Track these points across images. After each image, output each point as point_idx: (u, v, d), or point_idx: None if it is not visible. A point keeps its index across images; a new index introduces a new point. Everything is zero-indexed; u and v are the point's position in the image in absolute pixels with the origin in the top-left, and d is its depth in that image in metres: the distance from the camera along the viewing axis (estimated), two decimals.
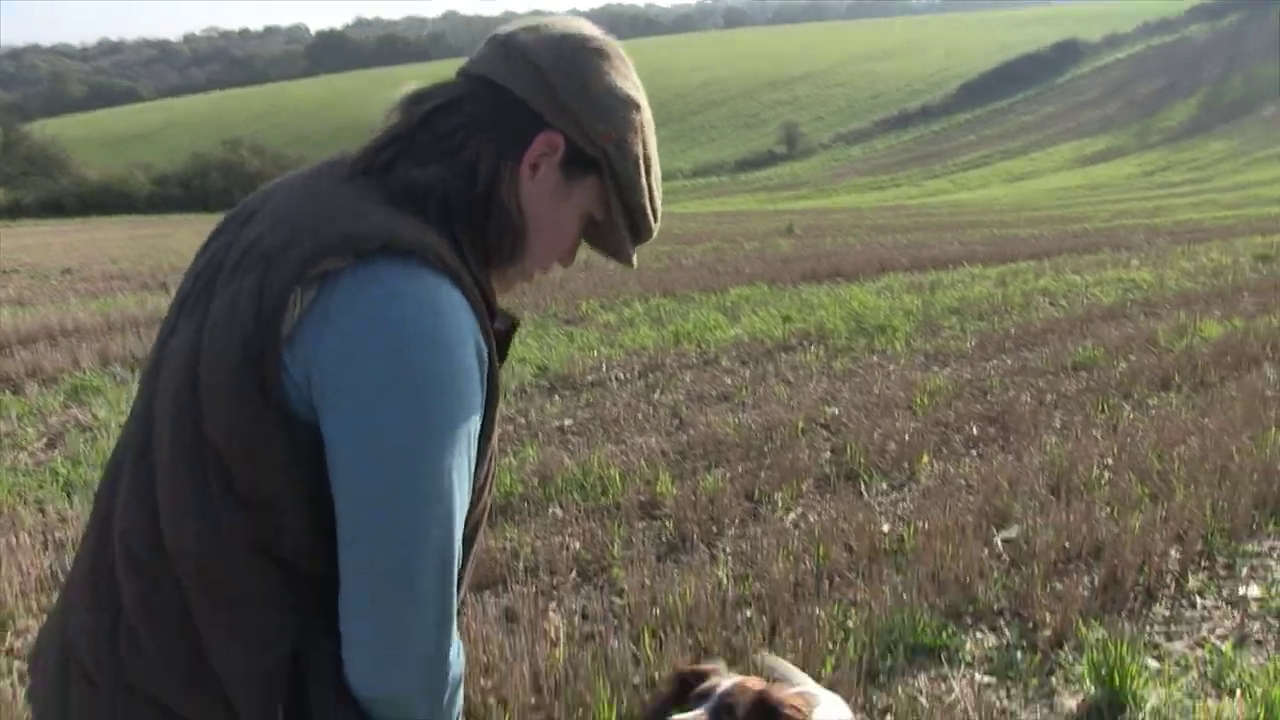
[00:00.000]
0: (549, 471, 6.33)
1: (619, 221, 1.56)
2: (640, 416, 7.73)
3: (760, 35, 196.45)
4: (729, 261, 18.83)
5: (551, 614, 4.65)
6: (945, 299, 13.10)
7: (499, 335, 1.47)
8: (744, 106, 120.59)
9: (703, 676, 2.26)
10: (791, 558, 5.05)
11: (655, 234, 1.64)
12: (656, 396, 8.32)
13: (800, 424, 7.30)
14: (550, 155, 1.48)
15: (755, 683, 2.25)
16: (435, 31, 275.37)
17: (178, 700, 1.37)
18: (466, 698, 3.90)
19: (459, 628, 1.43)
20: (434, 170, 1.43)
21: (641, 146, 1.55)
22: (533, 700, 3.94)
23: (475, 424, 1.36)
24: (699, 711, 2.13)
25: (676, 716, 2.13)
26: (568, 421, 7.70)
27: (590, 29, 1.55)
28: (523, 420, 7.74)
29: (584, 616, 4.67)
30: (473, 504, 1.43)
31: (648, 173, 1.57)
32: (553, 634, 4.47)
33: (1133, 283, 14.65)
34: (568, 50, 1.49)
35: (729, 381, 8.89)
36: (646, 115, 1.57)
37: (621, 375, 9.18)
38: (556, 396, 8.53)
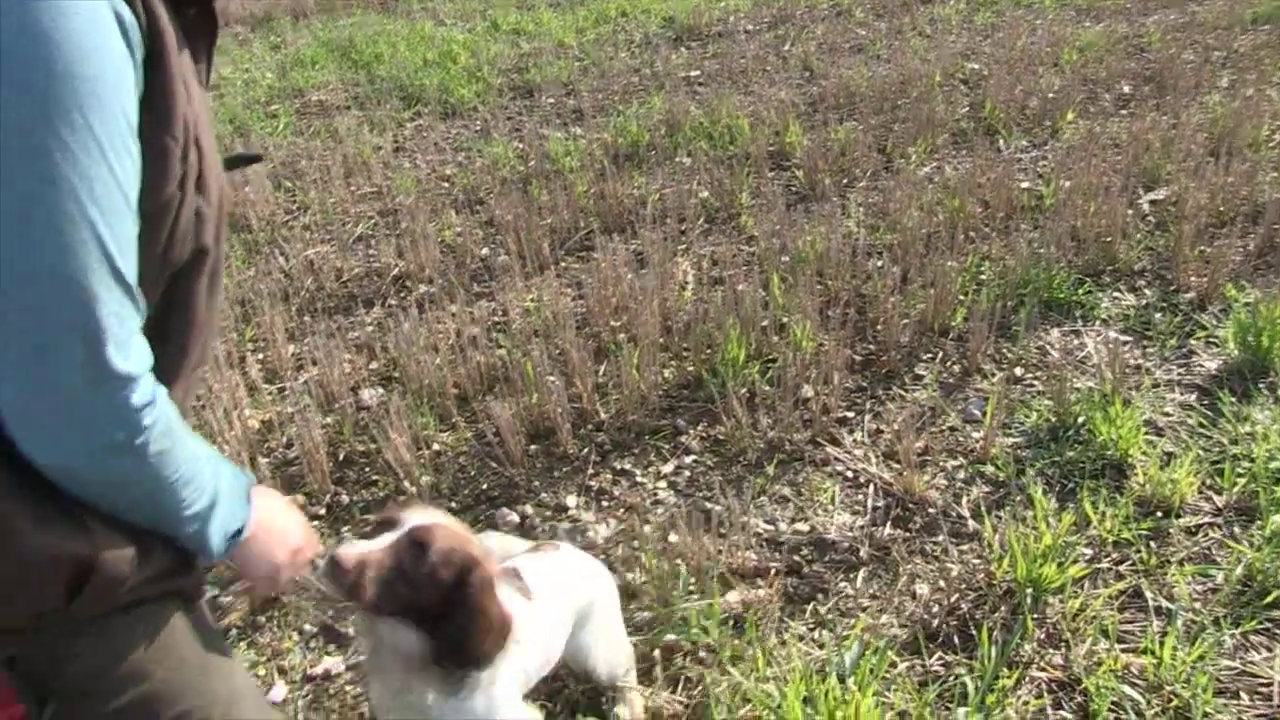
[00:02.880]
0: (676, 120, 6.21)
1: None
2: (769, 68, 7.47)
3: None
4: None
5: (680, 258, 4.66)
6: None
7: None
8: None
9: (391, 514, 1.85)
10: (925, 210, 4.95)
11: None
12: (786, 48, 8.01)
13: (937, 78, 6.99)
14: None
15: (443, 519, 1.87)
16: None
17: None
18: (595, 335, 3.99)
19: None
20: None
21: None
22: (661, 340, 4.00)
23: (109, 108, 1.05)
24: (384, 542, 1.76)
25: (358, 545, 1.75)
26: (694, 72, 7.49)
27: None
28: (648, 71, 7.55)
29: (713, 262, 4.68)
30: (161, 189, 1.18)
31: None
32: (681, 277, 4.50)
33: None
34: None
35: (863, 34, 8.50)
36: None
37: (750, 27, 8.83)
38: (683, 48, 8.26)
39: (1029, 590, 2.77)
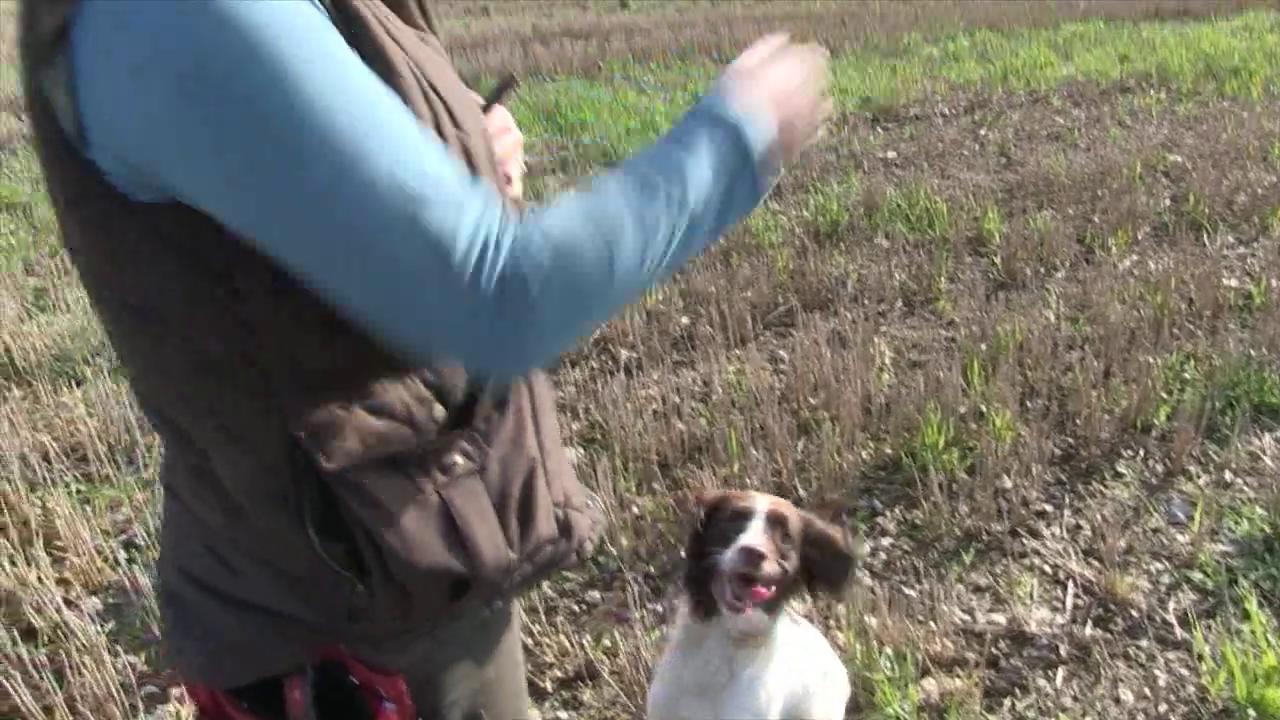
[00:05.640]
0: (874, 201, 6.28)
1: None
2: (966, 152, 7.50)
3: None
4: None
5: (878, 338, 4.71)
6: None
7: None
8: None
9: (727, 500, 2.14)
10: (1127, 303, 4.90)
11: None
12: (983, 133, 8.02)
13: (1138, 169, 6.91)
14: None
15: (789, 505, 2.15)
16: None
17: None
18: (794, 411, 4.06)
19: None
20: None
21: None
22: (861, 420, 4.06)
23: (319, 34, 0.95)
24: (756, 523, 2.04)
25: (750, 536, 2.01)
26: (891, 154, 7.55)
27: None
28: (846, 150, 7.65)
29: (911, 345, 4.71)
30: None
31: None
32: (879, 359, 4.55)
33: None
34: None
35: (1060, 121, 8.45)
36: None
37: (946, 110, 8.87)
38: (879, 129, 8.35)
39: (1251, 712, 2.72)
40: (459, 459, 1.23)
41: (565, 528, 1.40)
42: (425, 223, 0.93)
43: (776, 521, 2.06)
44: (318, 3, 0.99)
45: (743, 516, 2.07)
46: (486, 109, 1.36)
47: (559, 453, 1.42)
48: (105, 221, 1.01)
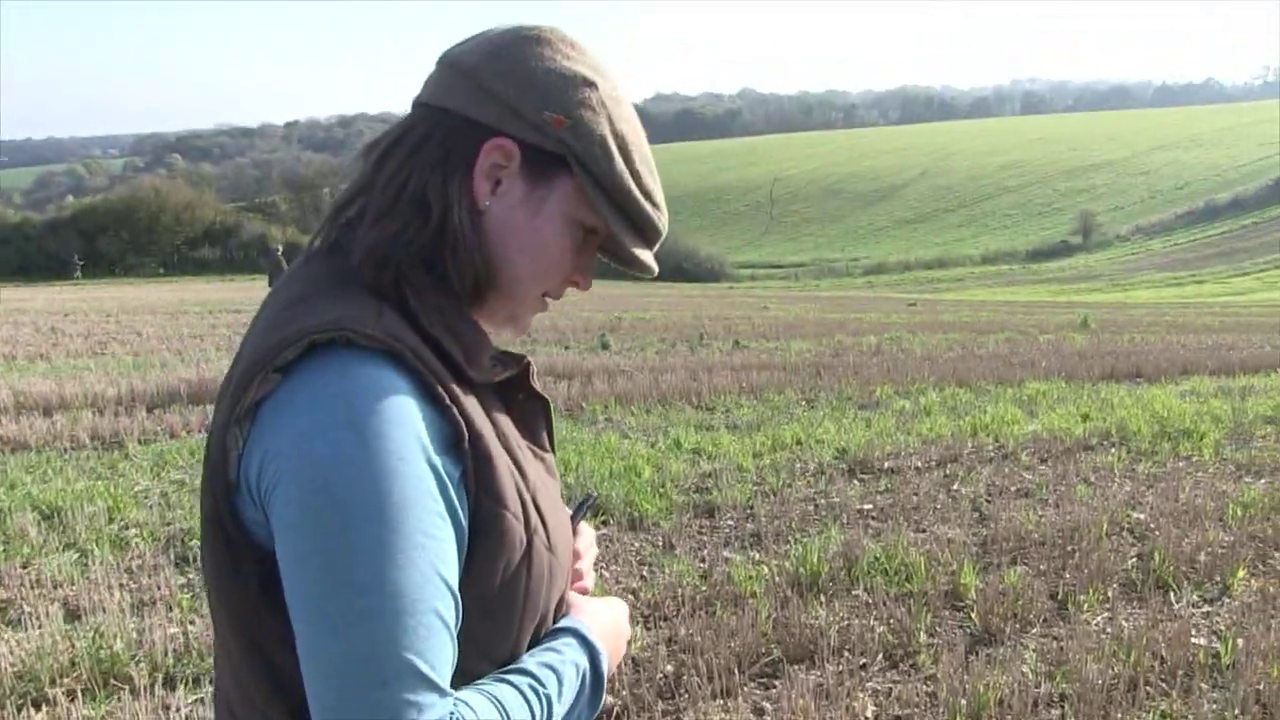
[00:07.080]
0: (853, 554, 6.50)
1: (610, 217, 1.34)
2: (940, 506, 7.80)
3: (1059, 121, 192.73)
4: (1023, 354, 18.49)
5: (860, 693, 4.82)
6: (1259, 407, 12.42)
7: (506, 381, 1.35)
8: (1038, 194, 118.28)
9: None
10: (1102, 661, 5.04)
11: (664, 227, 1.41)
12: (956, 487, 8.36)
13: (1105, 527, 7.19)
14: (506, 164, 1.30)
15: None
16: (731, 108, 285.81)
17: None
18: None
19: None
20: (385, 222, 1.26)
21: (606, 124, 1.32)
22: None
23: (419, 511, 1.13)
24: None
25: None
26: (868, 505, 7.85)
27: (531, 23, 1.35)
28: (823, 501, 7.95)
29: (894, 699, 4.82)
30: (486, 580, 1.23)
31: (624, 153, 1.34)
32: (863, 714, 4.64)
33: None
34: (499, 45, 1.32)
35: (1028, 478, 8.82)
36: (609, 92, 1.34)
37: (919, 464, 9.25)
38: (856, 480, 8.69)
39: None
40: None
41: None
42: (398, 699, 1.07)
43: None
44: (449, 455, 1.19)
45: None
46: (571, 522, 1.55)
47: None
48: (232, 556, 1.19)
